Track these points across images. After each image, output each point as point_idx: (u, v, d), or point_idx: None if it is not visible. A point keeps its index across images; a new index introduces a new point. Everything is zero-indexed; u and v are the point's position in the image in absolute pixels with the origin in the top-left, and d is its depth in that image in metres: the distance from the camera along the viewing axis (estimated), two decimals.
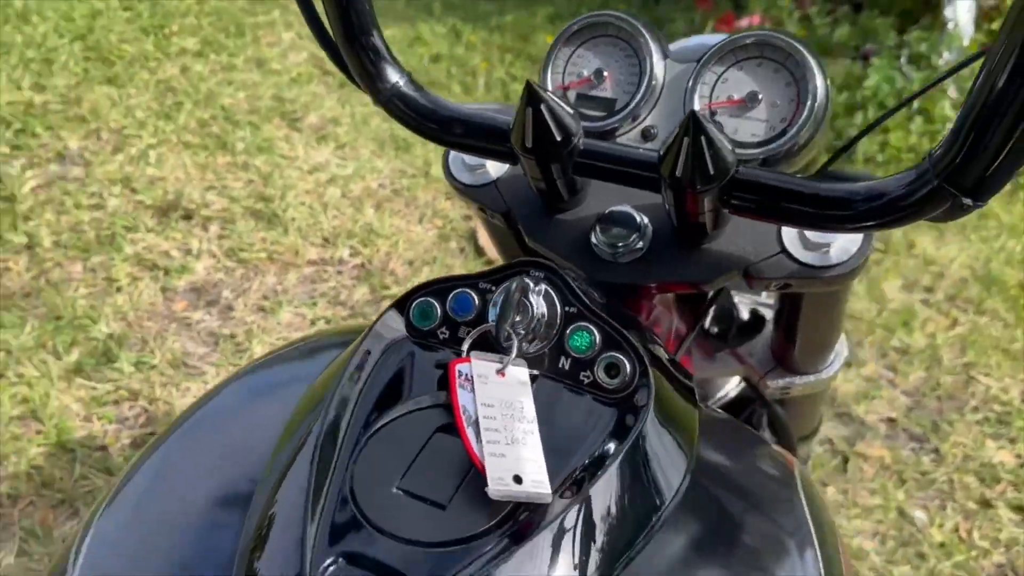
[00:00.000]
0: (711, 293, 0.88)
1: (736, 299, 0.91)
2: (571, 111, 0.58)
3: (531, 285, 0.53)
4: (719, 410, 0.68)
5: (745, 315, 0.89)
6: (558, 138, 0.57)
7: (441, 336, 0.56)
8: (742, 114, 0.66)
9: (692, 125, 0.51)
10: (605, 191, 0.69)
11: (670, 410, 0.52)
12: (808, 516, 0.53)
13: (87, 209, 2.39)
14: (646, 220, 0.66)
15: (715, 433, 0.58)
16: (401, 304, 0.56)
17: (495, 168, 0.73)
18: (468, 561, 0.43)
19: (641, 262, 0.66)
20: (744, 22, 4.13)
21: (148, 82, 3.11)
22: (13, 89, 2.80)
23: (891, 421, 2.16)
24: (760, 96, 0.64)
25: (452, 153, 0.75)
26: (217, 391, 0.62)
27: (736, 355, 0.88)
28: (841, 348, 0.87)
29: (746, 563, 0.49)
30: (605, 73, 0.69)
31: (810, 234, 0.63)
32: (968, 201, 0.48)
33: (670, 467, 0.50)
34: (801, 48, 0.63)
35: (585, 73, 0.70)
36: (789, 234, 0.63)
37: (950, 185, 0.48)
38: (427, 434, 0.49)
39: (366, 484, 0.47)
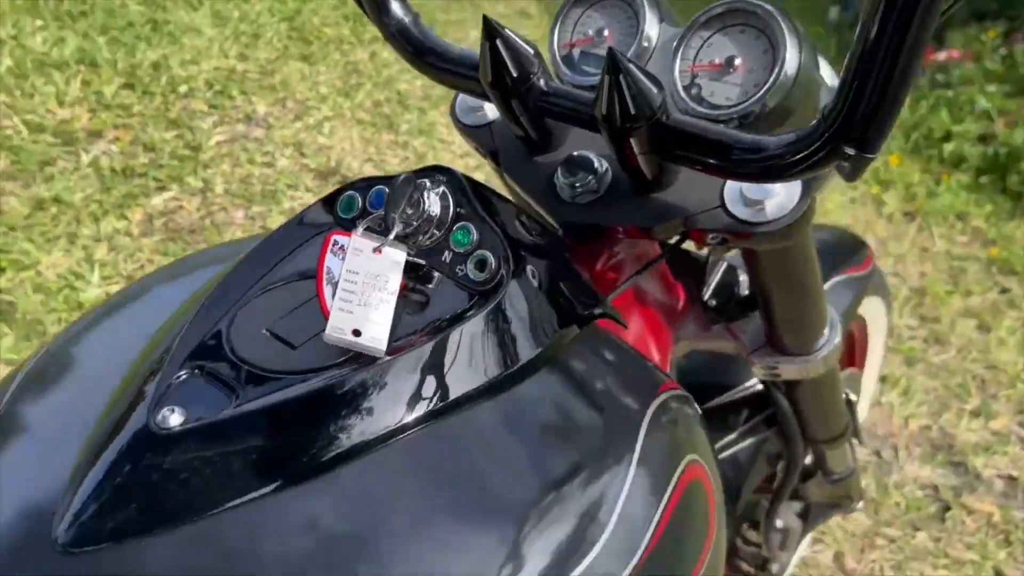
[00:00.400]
0: (709, 263, 0.90)
1: (740, 276, 0.91)
2: (531, 50, 0.64)
3: (427, 184, 0.60)
4: (632, 350, 0.70)
5: (744, 291, 0.90)
6: (515, 74, 0.63)
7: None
8: (720, 78, 0.68)
9: (610, 63, 0.56)
10: (583, 138, 0.74)
11: (526, 308, 0.56)
12: (637, 450, 0.54)
13: (259, 165, 2.66)
14: (606, 165, 0.71)
15: (596, 353, 0.62)
16: (331, 199, 0.64)
17: (492, 111, 0.80)
18: (293, 390, 0.50)
19: (596, 204, 0.70)
20: (942, 55, 3.90)
21: (338, 63, 3.40)
22: (221, 57, 3.16)
23: (1011, 479, 1.98)
24: (737, 61, 0.67)
25: (460, 96, 0.82)
26: (138, 283, 0.71)
27: (730, 330, 0.88)
28: (832, 336, 0.85)
29: (539, 467, 0.52)
30: (605, 32, 0.74)
31: (748, 191, 0.64)
32: (851, 150, 0.50)
33: (500, 357, 0.54)
34: (778, 17, 0.65)
35: (589, 32, 0.75)
36: (731, 190, 0.65)
37: (839, 136, 0.50)
38: (310, 294, 0.57)
39: (241, 324, 0.55)
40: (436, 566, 0.46)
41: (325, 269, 0.55)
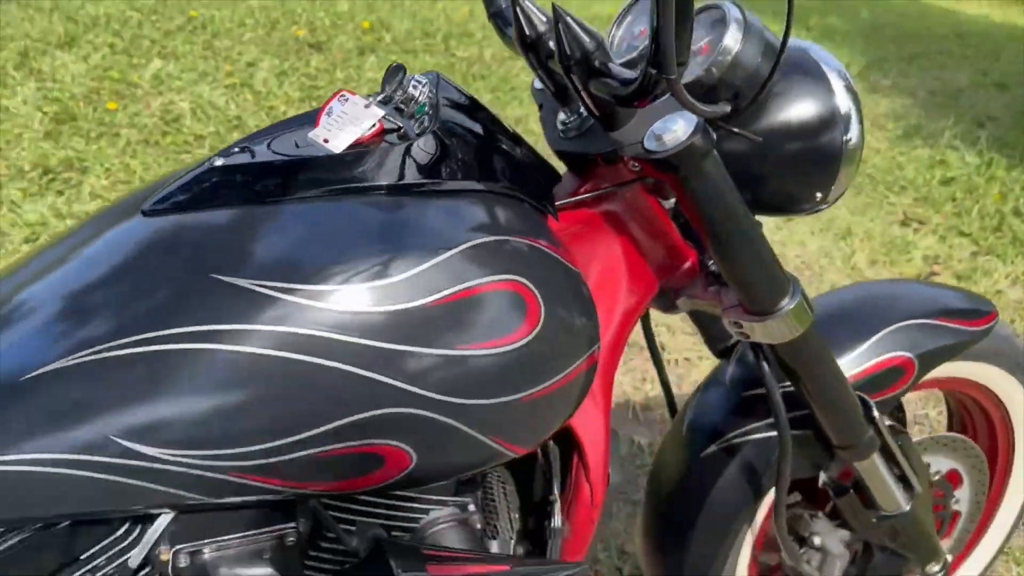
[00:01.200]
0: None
1: None
2: (543, 18, 0.83)
3: (413, 76, 0.81)
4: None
5: None
6: (528, 34, 0.83)
7: None
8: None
9: (554, 15, 0.74)
10: None
11: (435, 150, 0.75)
12: (474, 241, 0.71)
13: None
14: (586, 113, 0.88)
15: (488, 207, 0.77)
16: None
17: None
18: (298, 156, 0.74)
19: (574, 139, 0.88)
20: None
21: None
22: None
23: None
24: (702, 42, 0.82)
25: None
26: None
27: (720, 294, 0.94)
28: (791, 301, 0.87)
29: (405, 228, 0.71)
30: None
31: (657, 130, 0.76)
32: (653, 71, 0.65)
33: (397, 175, 0.74)
34: (727, 10, 0.80)
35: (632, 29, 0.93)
36: (650, 133, 0.77)
37: (649, 64, 0.65)
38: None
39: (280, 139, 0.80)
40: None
41: (328, 108, 0.79)
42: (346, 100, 0.80)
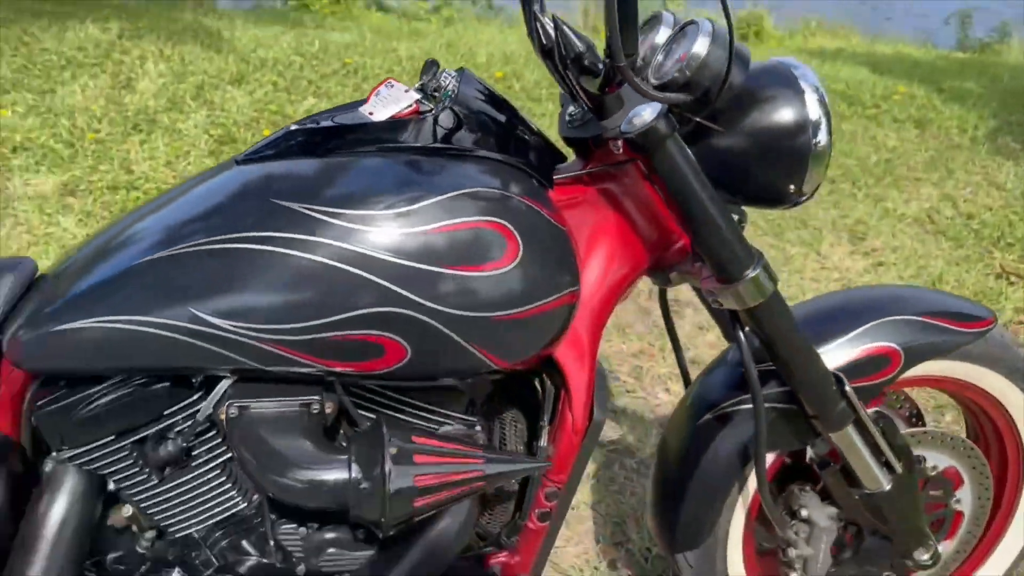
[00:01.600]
0: None
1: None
2: (552, 30, 1.03)
3: (452, 75, 1.04)
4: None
5: None
6: (544, 42, 1.05)
7: None
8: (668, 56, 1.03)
9: (554, 22, 0.96)
10: None
11: (452, 125, 0.98)
12: (464, 188, 0.93)
13: None
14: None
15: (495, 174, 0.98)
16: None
17: None
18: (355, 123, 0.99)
19: (577, 127, 1.09)
20: None
21: None
22: None
23: None
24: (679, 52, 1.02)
25: None
26: None
27: (701, 267, 1.10)
28: (752, 271, 1.01)
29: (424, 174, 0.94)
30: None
31: (632, 116, 0.96)
32: (607, 60, 0.86)
33: (430, 138, 0.96)
34: (700, 25, 1.00)
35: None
36: (627, 119, 0.98)
37: (607, 55, 0.87)
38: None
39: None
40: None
41: (377, 91, 1.04)
42: (392, 86, 1.04)
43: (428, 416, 1.08)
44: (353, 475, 0.95)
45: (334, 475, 0.96)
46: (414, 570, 1.08)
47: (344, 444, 1.01)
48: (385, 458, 0.94)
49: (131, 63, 3.77)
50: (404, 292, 0.91)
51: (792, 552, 1.30)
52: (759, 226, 2.99)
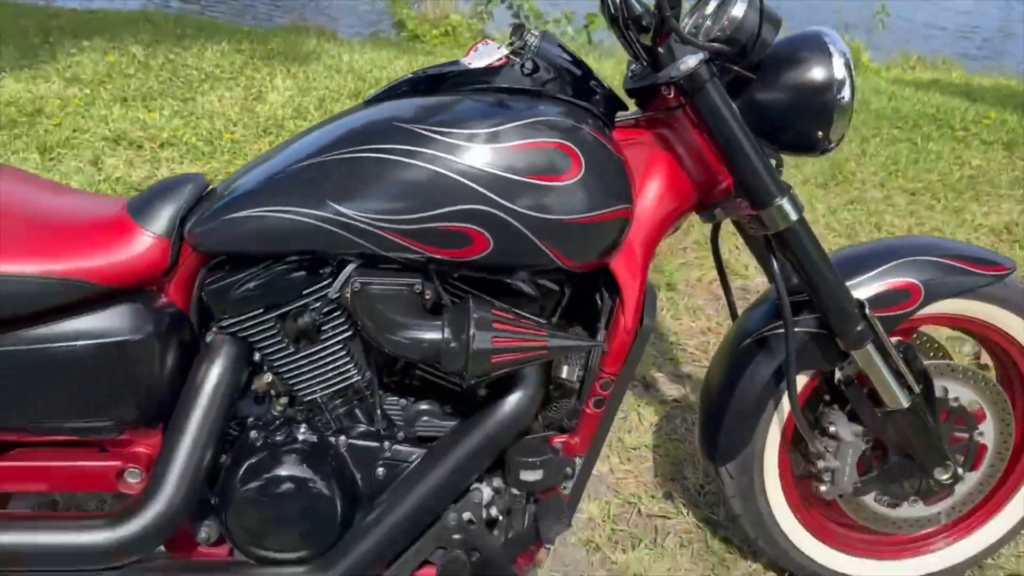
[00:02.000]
0: None
1: None
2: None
3: (536, 34, 1.30)
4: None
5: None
6: (612, 9, 1.30)
7: None
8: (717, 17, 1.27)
9: None
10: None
11: (531, 72, 1.23)
12: (536, 115, 1.17)
13: None
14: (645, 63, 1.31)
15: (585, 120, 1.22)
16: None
17: None
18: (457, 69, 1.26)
19: (637, 79, 1.33)
20: None
21: None
22: None
23: None
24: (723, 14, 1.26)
25: None
26: None
27: (741, 202, 1.31)
28: (781, 200, 1.23)
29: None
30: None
31: (679, 63, 1.21)
32: (661, 12, 1.12)
33: (518, 81, 1.22)
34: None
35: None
36: (675, 64, 1.22)
37: (656, 10, 1.12)
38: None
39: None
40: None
41: (475, 48, 1.30)
42: (487, 44, 1.31)
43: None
44: (444, 335, 1.20)
45: (430, 335, 1.21)
46: (489, 439, 1.32)
47: (438, 315, 1.26)
48: (470, 323, 1.19)
49: (262, 79, 4.21)
50: (489, 193, 1.16)
51: (821, 464, 1.48)
52: (833, 228, 3.14)
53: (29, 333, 1.22)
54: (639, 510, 1.81)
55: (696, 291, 2.68)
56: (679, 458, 1.96)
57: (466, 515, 1.35)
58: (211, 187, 1.34)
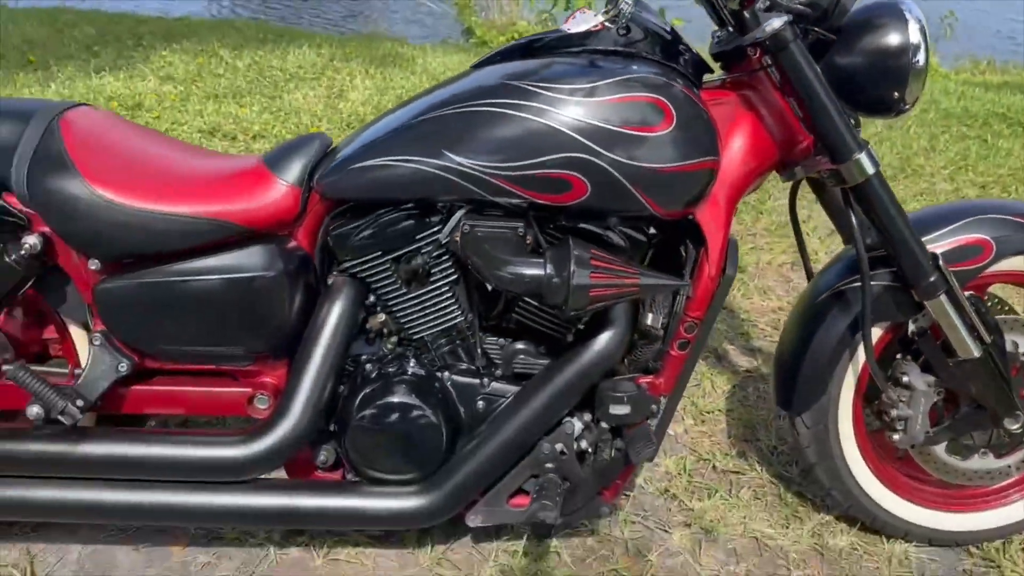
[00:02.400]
0: None
1: None
2: None
3: (630, 2, 1.41)
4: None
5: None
6: None
7: None
8: None
9: None
10: None
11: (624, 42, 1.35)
12: (629, 73, 1.29)
13: None
14: (731, 27, 1.42)
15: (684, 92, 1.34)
16: None
17: None
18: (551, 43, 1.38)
19: (722, 43, 1.44)
20: None
21: None
22: None
23: None
24: None
25: None
26: None
27: (821, 159, 1.40)
28: (861, 157, 1.32)
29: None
30: None
31: (765, 26, 1.31)
32: None
33: (615, 45, 1.34)
34: None
35: None
36: (762, 27, 1.32)
37: None
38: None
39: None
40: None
41: (575, 16, 1.42)
42: (585, 12, 1.44)
43: None
44: (547, 271, 1.32)
45: (533, 271, 1.33)
46: (580, 376, 1.43)
47: (541, 253, 1.38)
48: (571, 260, 1.31)
49: (342, 79, 4.41)
50: (588, 142, 1.28)
51: (894, 412, 1.56)
52: None
53: (178, 267, 1.37)
54: (714, 466, 1.90)
55: (766, 273, 2.76)
56: (752, 422, 2.05)
57: (558, 446, 1.47)
58: (334, 144, 1.48)
